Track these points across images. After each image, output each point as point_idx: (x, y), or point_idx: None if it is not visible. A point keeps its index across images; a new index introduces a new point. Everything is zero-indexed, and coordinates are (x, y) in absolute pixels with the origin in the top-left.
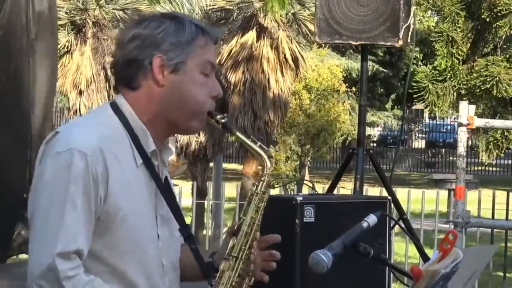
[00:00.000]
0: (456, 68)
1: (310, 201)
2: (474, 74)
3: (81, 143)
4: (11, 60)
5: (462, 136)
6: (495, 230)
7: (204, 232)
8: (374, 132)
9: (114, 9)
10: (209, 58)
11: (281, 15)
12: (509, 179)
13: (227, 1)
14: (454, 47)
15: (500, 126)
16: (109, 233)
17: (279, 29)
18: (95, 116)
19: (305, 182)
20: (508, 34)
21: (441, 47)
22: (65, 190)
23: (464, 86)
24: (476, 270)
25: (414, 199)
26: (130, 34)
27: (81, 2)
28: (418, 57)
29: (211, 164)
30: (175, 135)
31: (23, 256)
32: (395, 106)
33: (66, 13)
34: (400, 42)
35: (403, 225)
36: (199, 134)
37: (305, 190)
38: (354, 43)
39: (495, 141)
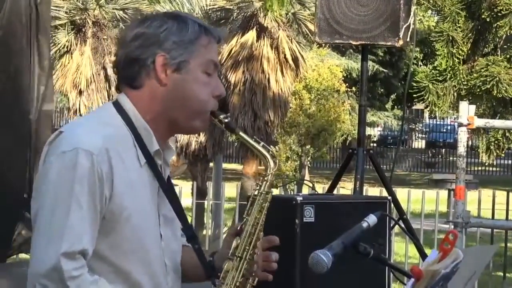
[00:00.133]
0: (456, 68)
1: (310, 201)
2: (474, 74)
3: (86, 143)
4: (11, 60)
5: (462, 136)
6: (495, 230)
7: (204, 232)
8: (374, 132)
9: (114, 9)
10: (212, 57)
11: (280, 15)
12: (509, 179)
13: (227, 1)
14: (455, 47)
15: (500, 126)
16: (113, 233)
17: (279, 29)
18: (98, 116)
19: (305, 182)
20: (508, 34)
21: (441, 47)
22: (70, 190)
23: (465, 87)
24: (476, 270)
25: (414, 199)
26: (132, 33)
27: (81, 2)
28: (418, 57)
29: (211, 164)
30: (175, 135)
31: (23, 255)
32: (395, 106)
33: (66, 12)
34: (400, 42)
35: (403, 225)
36: (199, 134)
37: (305, 190)
38: (354, 43)
39: (496, 141)
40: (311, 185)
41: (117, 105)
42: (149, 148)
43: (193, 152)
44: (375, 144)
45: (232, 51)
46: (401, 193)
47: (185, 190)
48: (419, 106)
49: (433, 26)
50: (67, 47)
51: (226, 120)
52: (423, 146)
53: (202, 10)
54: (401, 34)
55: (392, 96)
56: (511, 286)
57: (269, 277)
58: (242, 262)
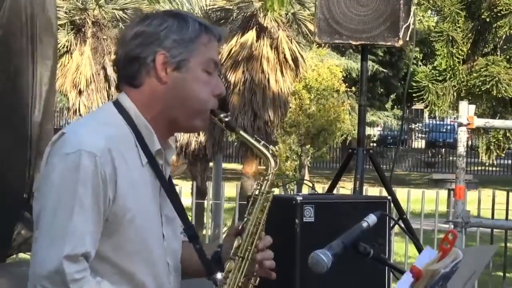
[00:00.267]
0: (456, 68)
1: (310, 201)
2: (474, 74)
3: (89, 144)
4: (11, 60)
5: (462, 136)
6: (495, 230)
7: (204, 232)
8: (374, 132)
9: (114, 9)
10: (212, 56)
11: (280, 15)
12: (509, 179)
13: (227, 1)
14: (454, 47)
15: (500, 126)
16: (117, 234)
17: (279, 29)
18: (99, 116)
19: (305, 182)
20: (508, 34)
21: (441, 47)
22: (73, 192)
23: (465, 87)
24: (476, 270)
25: (414, 199)
26: (133, 31)
27: (80, 2)
28: (418, 57)
29: (211, 164)
30: (175, 134)
31: (23, 255)
32: (395, 106)
33: (65, 12)
34: (400, 42)
35: (403, 225)
36: (199, 134)
37: (305, 190)
38: (354, 43)
39: (496, 142)
40: (311, 185)
41: (118, 105)
42: (150, 148)
43: (193, 152)
44: (375, 144)
45: (232, 51)
46: (401, 193)
47: (185, 190)
48: (419, 106)
49: (433, 26)
50: (67, 47)
51: (226, 119)
52: (423, 146)
53: (201, 10)
54: (401, 34)
55: (392, 96)
56: (511, 286)
57: (272, 275)
58: (244, 262)
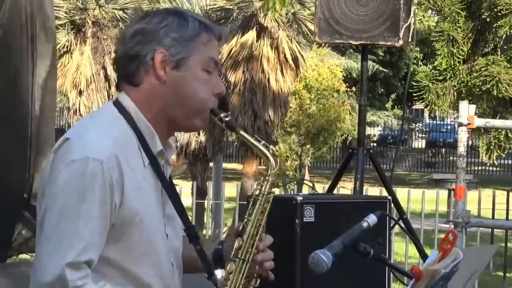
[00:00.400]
0: (456, 68)
1: (310, 201)
2: (474, 74)
3: (95, 151)
4: (11, 60)
5: (462, 136)
6: (495, 230)
7: (204, 232)
8: (374, 132)
9: (114, 9)
10: (212, 55)
11: (280, 15)
12: (509, 179)
13: (227, 0)
14: (455, 46)
15: (500, 126)
16: (124, 238)
17: (279, 29)
18: (101, 118)
19: (305, 182)
20: (508, 34)
21: (441, 46)
22: (79, 198)
23: (465, 87)
24: (476, 270)
25: (414, 199)
26: (132, 29)
27: (80, 2)
28: (418, 57)
29: (211, 164)
30: (175, 134)
31: (23, 256)
32: (395, 106)
33: (65, 12)
34: (400, 42)
35: (403, 225)
36: (199, 134)
37: (305, 190)
38: (354, 42)
39: (497, 142)
40: (311, 184)
41: (118, 104)
42: (152, 149)
43: (193, 152)
44: (375, 144)
45: (232, 51)
46: (401, 193)
47: (185, 190)
48: (419, 105)
49: (433, 26)
50: (67, 47)
51: (226, 119)
52: (423, 145)
53: (202, 10)
54: (401, 34)
55: (392, 96)
56: (511, 286)
57: (271, 276)
58: (245, 264)
